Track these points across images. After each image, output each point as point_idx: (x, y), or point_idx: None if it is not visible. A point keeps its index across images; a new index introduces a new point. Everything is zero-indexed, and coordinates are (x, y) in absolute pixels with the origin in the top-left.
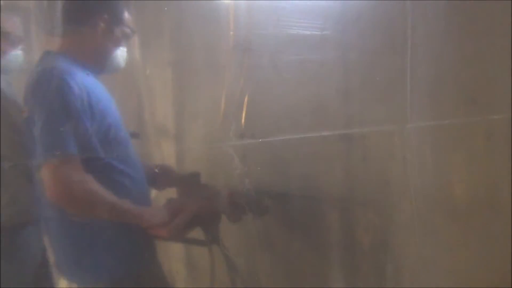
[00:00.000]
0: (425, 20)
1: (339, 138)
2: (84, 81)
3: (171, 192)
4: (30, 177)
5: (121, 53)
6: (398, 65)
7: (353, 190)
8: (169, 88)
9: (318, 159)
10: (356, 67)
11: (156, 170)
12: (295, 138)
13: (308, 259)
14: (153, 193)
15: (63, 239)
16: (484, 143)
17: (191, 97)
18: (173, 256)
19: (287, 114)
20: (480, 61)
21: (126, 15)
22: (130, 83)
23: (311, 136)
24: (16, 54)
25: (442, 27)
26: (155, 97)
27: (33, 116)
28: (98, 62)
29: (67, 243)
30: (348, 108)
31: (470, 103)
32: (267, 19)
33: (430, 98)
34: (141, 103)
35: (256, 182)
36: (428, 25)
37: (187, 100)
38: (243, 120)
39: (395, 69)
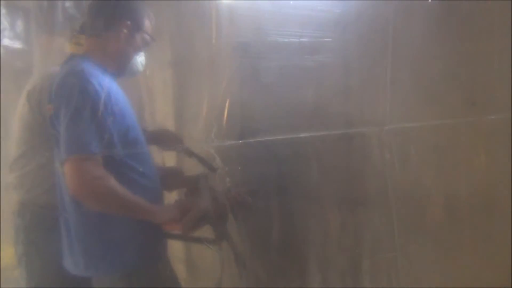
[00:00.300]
0: (408, 23)
1: (318, 139)
2: (107, 84)
3: (180, 192)
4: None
5: (140, 59)
6: (380, 69)
7: (332, 189)
8: (154, 90)
9: (297, 159)
10: (335, 71)
11: (140, 169)
12: (275, 139)
13: (287, 255)
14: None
15: (81, 231)
16: (483, 143)
17: (176, 99)
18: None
19: (266, 116)
20: (479, 61)
21: (147, 23)
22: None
23: (290, 137)
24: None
25: (429, 29)
26: (141, 99)
27: (58, 114)
28: (119, 66)
29: (84, 235)
30: (329, 110)
31: (470, 104)
32: (248, 27)
33: (428, 99)
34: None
35: (237, 182)
36: (409, 29)
37: (172, 103)
38: (224, 122)
39: (376, 72)
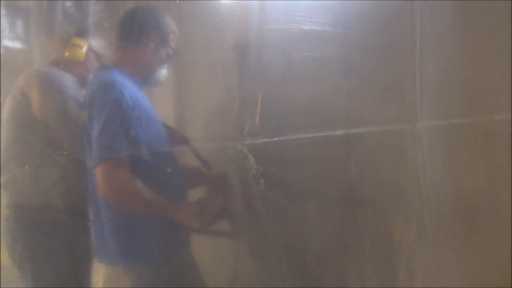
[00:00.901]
0: (432, 18)
1: (353, 137)
2: (136, 94)
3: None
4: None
5: (163, 71)
6: (406, 63)
7: (361, 191)
8: (182, 87)
9: (335, 158)
10: (368, 64)
11: (168, 170)
12: (311, 136)
13: (323, 259)
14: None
15: (111, 226)
16: (483, 143)
17: (206, 95)
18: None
19: (301, 112)
20: (481, 61)
21: (171, 37)
22: None
23: (327, 135)
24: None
25: (448, 26)
26: (167, 95)
27: (92, 122)
28: (144, 76)
29: (114, 229)
30: (361, 106)
31: (470, 104)
32: (280, 15)
33: (434, 98)
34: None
35: (271, 182)
36: (435, 24)
37: (202, 99)
38: (257, 119)
39: (403, 67)
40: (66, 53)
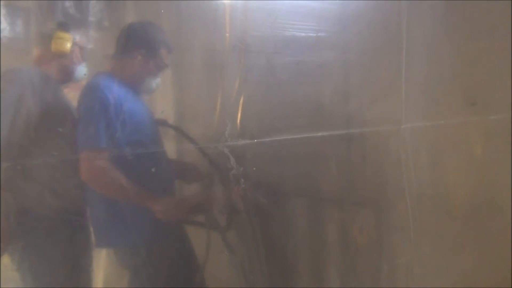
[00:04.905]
0: (420, 21)
1: (336, 138)
2: (121, 96)
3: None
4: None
5: (154, 80)
6: (394, 66)
7: (350, 190)
8: (166, 89)
9: (314, 159)
10: (353, 68)
11: (152, 170)
12: (291, 138)
13: (304, 258)
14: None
15: (96, 215)
16: (483, 143)
17: (189, 97)
18: None
19: (282, 114)
20: (479, 61)
21: (162, 51)
22: None
23: (307, 137)
24: (83, 67)
25: (438, 27)
26: (153, 98)
27: (80, 118)
28: (135, 84)
29: (98, 218)
30: (346, 109)
31: (470, 104)
32: (263, 21)
33: (427, 99)
34: None
35: (252, 182)
36: (423, 27)
37: (185, 101)
38: (238, 121)
39: (391, 70)
40: (52, 46)
